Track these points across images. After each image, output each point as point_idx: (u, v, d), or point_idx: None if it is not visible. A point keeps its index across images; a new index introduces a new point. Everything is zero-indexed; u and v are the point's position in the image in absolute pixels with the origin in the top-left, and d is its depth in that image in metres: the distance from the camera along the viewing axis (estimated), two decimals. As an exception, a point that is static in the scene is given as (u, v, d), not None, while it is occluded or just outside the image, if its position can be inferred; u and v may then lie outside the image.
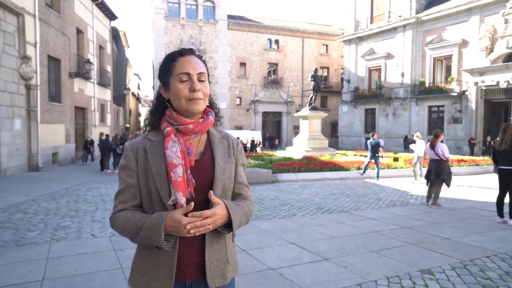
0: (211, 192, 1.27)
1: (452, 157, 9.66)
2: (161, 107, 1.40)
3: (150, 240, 1.24)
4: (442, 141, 7.71)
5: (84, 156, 17.77)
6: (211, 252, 1.33)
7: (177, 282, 1.30)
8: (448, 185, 7.52)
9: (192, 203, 1.22)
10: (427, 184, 7.76)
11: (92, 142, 17.73)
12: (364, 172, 11.84)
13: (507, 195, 6.05)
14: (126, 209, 1.34)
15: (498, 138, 6.12)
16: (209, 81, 1.41)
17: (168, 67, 1.34)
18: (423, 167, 11.84)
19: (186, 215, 1.22)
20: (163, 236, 1.21)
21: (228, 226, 1.31)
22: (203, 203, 1.29)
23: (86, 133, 19.81)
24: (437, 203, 7.46)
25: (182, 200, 1.25)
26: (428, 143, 7.85)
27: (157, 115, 1.41)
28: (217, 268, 1.34)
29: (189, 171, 1.28)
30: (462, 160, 15.03)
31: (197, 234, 1.22)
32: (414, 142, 12.05)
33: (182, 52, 1.35)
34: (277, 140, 31.20)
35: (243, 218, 1.35)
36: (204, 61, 1.39)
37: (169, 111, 1.36)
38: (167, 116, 1.36)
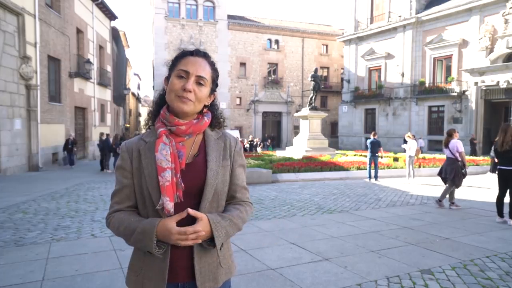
0: (188, 209, 1.23)
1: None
2: (163, 100, 1.41)
3: (142, 244, 1.24)
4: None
5: (65, 158, 15.68)
6: (201, 256, 1.31)
7: (170, 284, 1.30)
8: (457, 186, 7.39)
9: (186, 211, 1.22)
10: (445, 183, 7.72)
11: (74, 142, 15.31)
12: (370, 176, 11.79)
13: (507, 195, 6.05)
14: (121, 210, 1.34)
15: (497, 138, 6.12)
16: (213, 90, 1.41)
17: (175, 62, 1.35)
18: (414, 167, 11.90)
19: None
20: (155, 242, 1.21)
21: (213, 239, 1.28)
22: (193, 207, 1.27)
23: (86, 132, 19.79)
24: (439, 201, 7.42)
25: (169, 205, 1.23)
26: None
27: (157, 108, 1.42)
28: (208, 272, 1.33)
29: (179, 175, 1.26)
30: (462, 160, 15.02)
31: (186, 245, 1.22)
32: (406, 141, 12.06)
33: (193, 53, 1.36)
34: (269, 141, 30.69)
35: (230, 230, 1.31)
36: (215, 69, 1.40)
37: (163, 110, 1.35)
38: (161, 116, 1.35)
